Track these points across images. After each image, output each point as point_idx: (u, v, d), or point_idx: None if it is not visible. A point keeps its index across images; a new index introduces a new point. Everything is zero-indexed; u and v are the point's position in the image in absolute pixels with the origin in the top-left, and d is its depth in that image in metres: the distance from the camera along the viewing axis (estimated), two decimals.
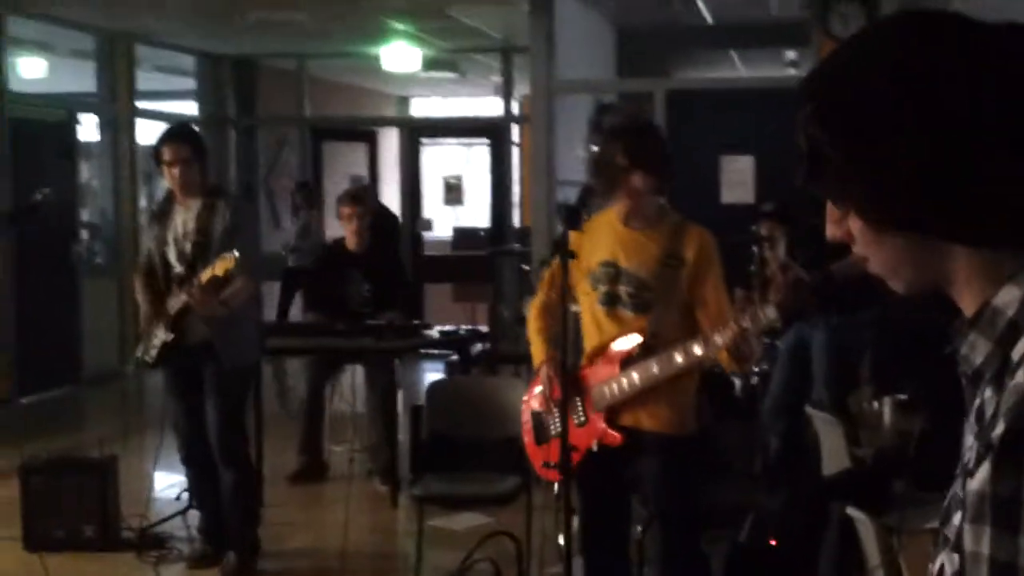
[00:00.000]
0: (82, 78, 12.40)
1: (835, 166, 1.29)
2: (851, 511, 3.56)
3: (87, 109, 12.37)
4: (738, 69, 14.53)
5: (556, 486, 4.88)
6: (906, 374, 5.84)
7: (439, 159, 16.86)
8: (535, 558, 5.29)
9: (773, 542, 5.15)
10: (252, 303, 5.76)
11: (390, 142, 15.62)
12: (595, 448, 4.25)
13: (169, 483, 6.93)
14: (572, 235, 4.17)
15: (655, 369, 4.09)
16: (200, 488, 5.94)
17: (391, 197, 14.10)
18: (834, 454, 4.81)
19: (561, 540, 4.67)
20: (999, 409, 1.18)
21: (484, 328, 10.72)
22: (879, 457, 4.81)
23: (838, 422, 4.85)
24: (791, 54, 12.44)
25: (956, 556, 1.22)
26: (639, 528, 4.80)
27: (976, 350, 1.26)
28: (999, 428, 1.16)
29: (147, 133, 12.37)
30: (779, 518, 5.50)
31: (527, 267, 9.42)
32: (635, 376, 4.13)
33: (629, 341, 4.18)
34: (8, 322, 9.95)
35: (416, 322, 7.87)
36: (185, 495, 6.39)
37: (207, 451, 5.65)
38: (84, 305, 11.20)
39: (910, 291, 1.35)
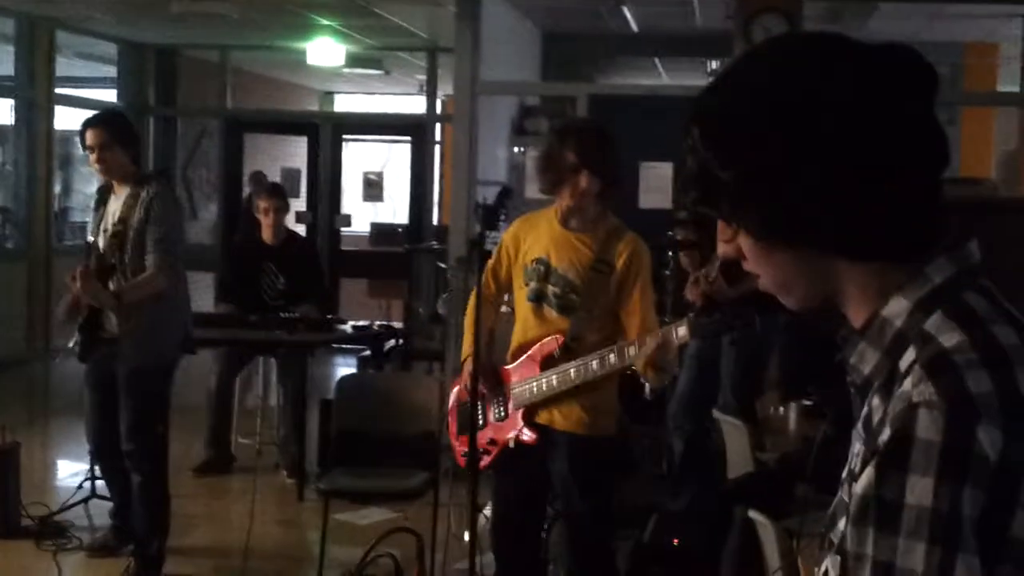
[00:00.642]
0: (0, 62, 12.17)
1: (724, 187, 1.31)
2: (753, 514, 3.59)
3: (4, 93, 12.14)
4: (662, 77, 14.66)
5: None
6: (813, 380, 5.92)
7: (360, 155, 16.78)
8: (440, 554, 5.28)
9: (676, 542, 5.20)
10: (174, 299, 5.45)
11: (314, 136, 15.47)
12: (511, 444, 4.28)
13: (72, 472, 6.82)
14: (516, 225, 4.20)
15: (572, 374, 4.13)
16: (109, 480, 5.83)
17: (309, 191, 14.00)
18: (739, 458, 4.86)
19: (467, 537, 4.67)
20: (886, 416, 1.21)
21: (398, 324, 10.73)
22: (783, 462, 4.86)
23: (744, 427, 4.90)
24: (714, 64, 12.57)
25: (839, 559, 1.25)
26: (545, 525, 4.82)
27: (865, 359, 1.30)
28: (885, 434, 1.19)
29: (66, 119, 12.18)
30: (683, 519, 5.56)
31: (444, 265, 9.42)
32: (553, 380, 4.17)
33: (552, 342, 4.20)
34: None
35: (330, 316, 7.85)
36: (87, 484, 6.30)
37: (116, 447, 5.42)
38: None
39: (801, 306, 1.37)
